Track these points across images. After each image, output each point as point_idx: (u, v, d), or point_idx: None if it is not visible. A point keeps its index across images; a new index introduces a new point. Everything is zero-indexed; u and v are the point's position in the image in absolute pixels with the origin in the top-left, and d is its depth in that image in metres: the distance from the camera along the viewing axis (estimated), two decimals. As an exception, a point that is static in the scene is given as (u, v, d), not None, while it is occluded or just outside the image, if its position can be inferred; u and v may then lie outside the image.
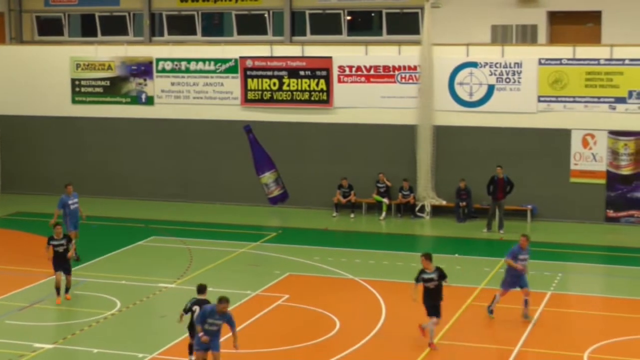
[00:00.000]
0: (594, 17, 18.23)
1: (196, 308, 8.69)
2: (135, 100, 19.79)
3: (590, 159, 17.12)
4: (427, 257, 9.76)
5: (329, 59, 18.35)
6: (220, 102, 19.24)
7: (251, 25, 21.11)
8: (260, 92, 18.91)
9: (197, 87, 19.32)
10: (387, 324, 10.79)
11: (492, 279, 12.87)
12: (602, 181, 17.23)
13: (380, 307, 11.63)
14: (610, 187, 17.29)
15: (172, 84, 19.49)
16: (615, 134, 17.12)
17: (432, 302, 9.84)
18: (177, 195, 19.51)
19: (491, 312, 11.47)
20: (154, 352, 9.64)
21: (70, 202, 13.91)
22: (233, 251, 15.08)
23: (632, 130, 16.95)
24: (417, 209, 18.03)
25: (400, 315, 11.12)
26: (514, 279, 11.43)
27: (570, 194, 17.30)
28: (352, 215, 18.22)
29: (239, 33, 21.19)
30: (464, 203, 17.36)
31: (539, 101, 17.36)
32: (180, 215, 18.28)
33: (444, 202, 17.92)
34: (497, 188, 16.31)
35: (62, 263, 11.62)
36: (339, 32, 20.43)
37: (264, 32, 20.96)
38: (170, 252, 15.29)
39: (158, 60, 19.58)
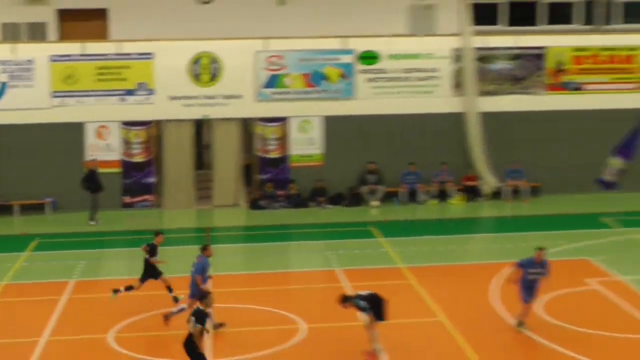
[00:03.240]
0: (101, 15, 22.48)
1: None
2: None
3: (105, 150, 21.76)
4: None
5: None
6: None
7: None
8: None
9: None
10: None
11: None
12: (118, 169, 22.20)
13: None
14: (126, 175, 22.28)
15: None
16: (127, 124, 22.25)
17: None
18: None
19: None
20: None
21: None
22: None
23: (142, 120, 22.33)
24: None
25: None
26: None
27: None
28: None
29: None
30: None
31: (53, 97, 21.23)
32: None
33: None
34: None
35: None
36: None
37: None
38: None
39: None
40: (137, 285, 14.45)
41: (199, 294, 12.48)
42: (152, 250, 14.92)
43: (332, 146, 23.94)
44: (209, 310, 11.19)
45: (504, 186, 24.70)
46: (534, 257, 14.43)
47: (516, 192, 24.69)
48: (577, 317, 15.14)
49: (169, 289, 14.53)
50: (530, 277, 14.34)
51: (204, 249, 13.77)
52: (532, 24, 26.23)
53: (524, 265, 14.52)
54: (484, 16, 25.57)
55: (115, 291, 14.14)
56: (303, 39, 23.89)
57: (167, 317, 13.75)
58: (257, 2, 23.56)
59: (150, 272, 14.74)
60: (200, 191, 24.09)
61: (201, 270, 13.47)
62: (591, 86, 25.01)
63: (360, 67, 23.64)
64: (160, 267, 14.49)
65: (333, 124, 23.82)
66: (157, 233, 15.56)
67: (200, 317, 10.63)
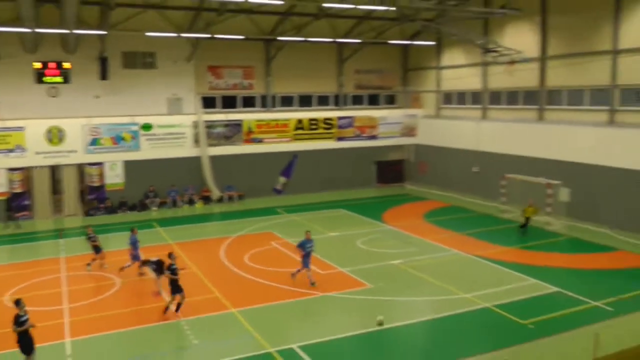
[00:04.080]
0: (-3, 106, 34.96)
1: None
2: None
3: None
4: None
5: None
6: None
7: None
8: None
9: None
10: None
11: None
12: (5, 197, 34.71)
13: None
14: (11, 200, 34.77)
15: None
16: (11, 170, 34.68)
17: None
18: None
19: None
20: None
21: None
22: None
23: (20, 167, 34.85)
24: None
25: None
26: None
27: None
28: None
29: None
30: None
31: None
32: None
33: None
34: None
35: None
36: None
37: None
38: None
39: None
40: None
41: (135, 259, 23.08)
42: (158, 265, 21.47)
43: (129, 177, 38.13)
44: (24, 310, 15.62)
45: (224, 195, 40.66)
46: (306, 237, 22.15)
47: (231, 198, 40.74)
48: (270, 262, 25.54)
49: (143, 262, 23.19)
50: (308, 250, 21.75)
51: (132, 230, 23.88)
52: (234, 107, 42.51)
53: (303, 244, 21.86)
54: (209, 104, 41.30)
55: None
56: (110, 117, 37.55)
57: (122, 270, 23.38)
58: (82, 96, 36.88)
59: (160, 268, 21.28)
60: (56, 207, 36.58)
61: (133, 243, 23.54)
62: (267, 139, 42.32)
63: (142, 132, 38.30)
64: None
65: (129, 165, 38.07)
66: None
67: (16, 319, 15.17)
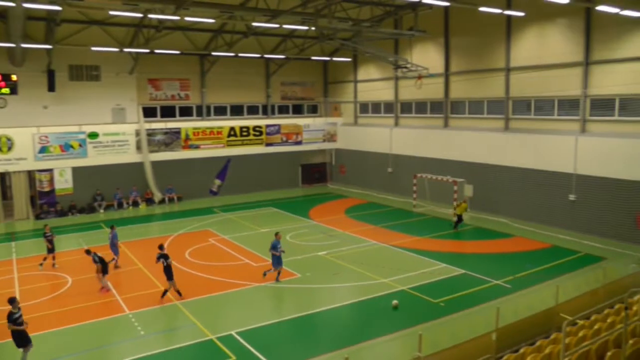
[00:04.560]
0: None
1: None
2: None
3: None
4: None
5: None
6: None
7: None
8: None
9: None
10: None
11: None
12: None
13: None
14: None
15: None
16: None
17: None
18: None
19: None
20: None
21: None
22: None
23: None
24: None
25: None
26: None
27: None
28: None
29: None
30: None
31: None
32: None
33: None
34: None
35: None
36: None
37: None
38: None
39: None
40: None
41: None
42: (102, 263, 21.50)
43: (77, 182, 37.10)
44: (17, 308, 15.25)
45: (165, 197, 40.19)
46: (276, 239, 21.98)
47: (171, 200, 40.30)
48: (208, 257, 25.50)
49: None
50: (281, 250, 21.80)
51: (111, 227, 24.14)
52: (173, 116, 42.08)
53: (275, 245, 21.76)
54: (149, 113, 40.74)
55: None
56: (58, 126, 36.48)
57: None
58: (31, 107, 35.61)
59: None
60: (7, 211, 35.39)
61: (115, 238, 23.77)
62: (203, 145, 41.93)
63: (89, 140, 37.35)
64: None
65: (77, 171, 37.05)
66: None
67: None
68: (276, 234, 22.50)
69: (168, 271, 20.08)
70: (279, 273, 22.18)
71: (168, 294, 20.42)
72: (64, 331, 17.93)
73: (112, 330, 17.93)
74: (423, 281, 22.38)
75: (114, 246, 24.11)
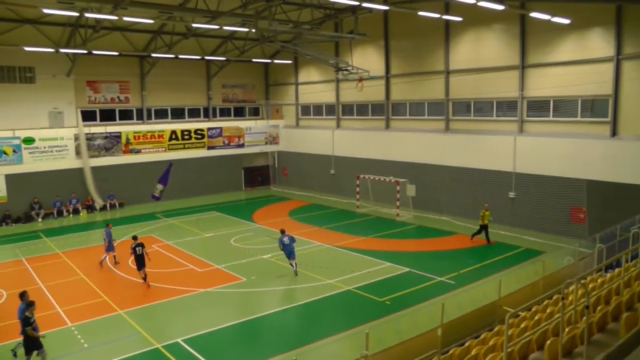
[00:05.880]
0: None
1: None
2: None
3: None
4: None
5: None
6: None
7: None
8: None
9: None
10: None
11: None
12: None
13: None
14: None
15: None
16: None
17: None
18: None
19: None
20: None
21: None
22: None
23: None
24: None
25: None
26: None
27: None
28: None
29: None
30: None
31: None
32: None
33: None
34: None
35: None
36: None
37: None
38: None
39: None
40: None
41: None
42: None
43: (12, 190, 35.56)
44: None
45: (107, 203, 39.20)
46: (281, 237, 23.43)
47: (113, 206, 39.41)
48: (152, 264, 23.61)
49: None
50: (288, 245, 22.97)
51: (107, 225, 24.97)
52: (113, 120, 41.12)
53: (282, 242, 23.19)
54: (89, 117, 39.66)
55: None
56: None
57: (101, 263, 24.33)
58: None
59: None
60: None
61: (108, 236, 24.50)
62: (144, 150, 41.21)
63: (24, 146, 35.79)
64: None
65: (12, 178, 35.47)
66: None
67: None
68: (281, 231, 24.03)
69: (140, 260, 21.73)
70: (293, 265, 23.26)
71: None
72: (4, 347, 16.96)
73: (53, 345, 17.03)
74: (368, 280, 22.52)
75: (109, 243, 25.18)
